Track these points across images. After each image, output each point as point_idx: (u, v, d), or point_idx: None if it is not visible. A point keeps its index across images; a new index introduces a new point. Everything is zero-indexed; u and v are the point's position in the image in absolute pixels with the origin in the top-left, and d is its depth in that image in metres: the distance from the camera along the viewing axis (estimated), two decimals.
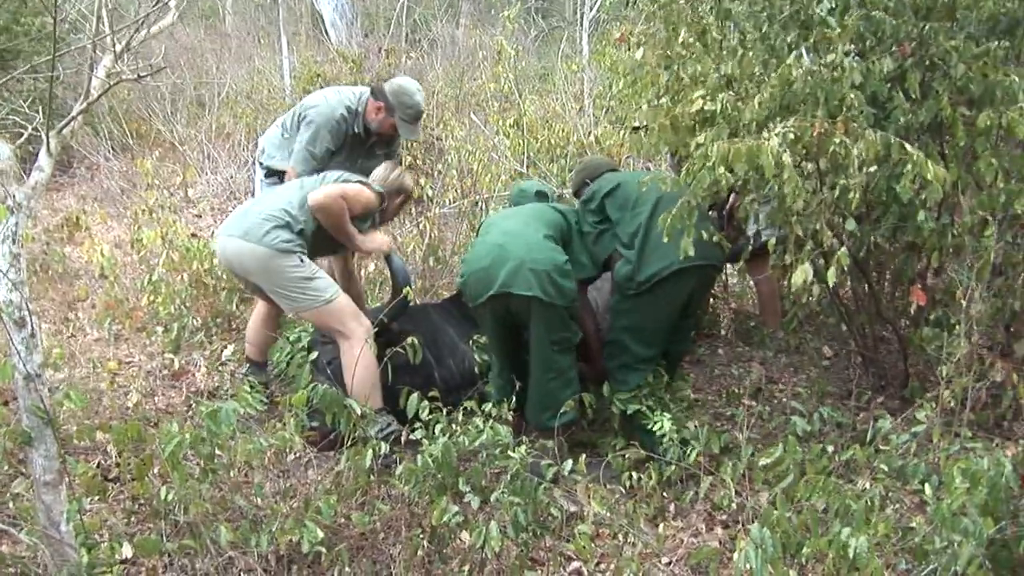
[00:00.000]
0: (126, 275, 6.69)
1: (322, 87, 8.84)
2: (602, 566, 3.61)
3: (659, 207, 4.28)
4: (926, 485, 3.30)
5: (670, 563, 3.64)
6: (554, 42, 13.62)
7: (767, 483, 3.57)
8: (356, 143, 5.31)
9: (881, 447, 3.65)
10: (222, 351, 5.50)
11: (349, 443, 3.68)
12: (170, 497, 3.23)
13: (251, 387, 3.70)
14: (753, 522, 2.99)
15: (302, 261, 4.42)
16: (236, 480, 3.67)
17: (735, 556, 2.92)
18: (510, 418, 3.83)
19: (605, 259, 4.59)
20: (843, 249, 3.51)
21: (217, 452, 3.47)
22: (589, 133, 7.65)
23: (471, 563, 3.40)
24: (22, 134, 3.78)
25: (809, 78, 3.59)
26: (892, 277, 4.70)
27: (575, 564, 3.64)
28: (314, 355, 4.38)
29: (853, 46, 3.94)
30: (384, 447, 3.60)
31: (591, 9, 11.35)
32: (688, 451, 3.85)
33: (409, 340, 4.11)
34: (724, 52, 4.09)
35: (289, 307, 4.52)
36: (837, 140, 3.40)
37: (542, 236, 4.36)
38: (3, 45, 9.60)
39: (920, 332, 4.25)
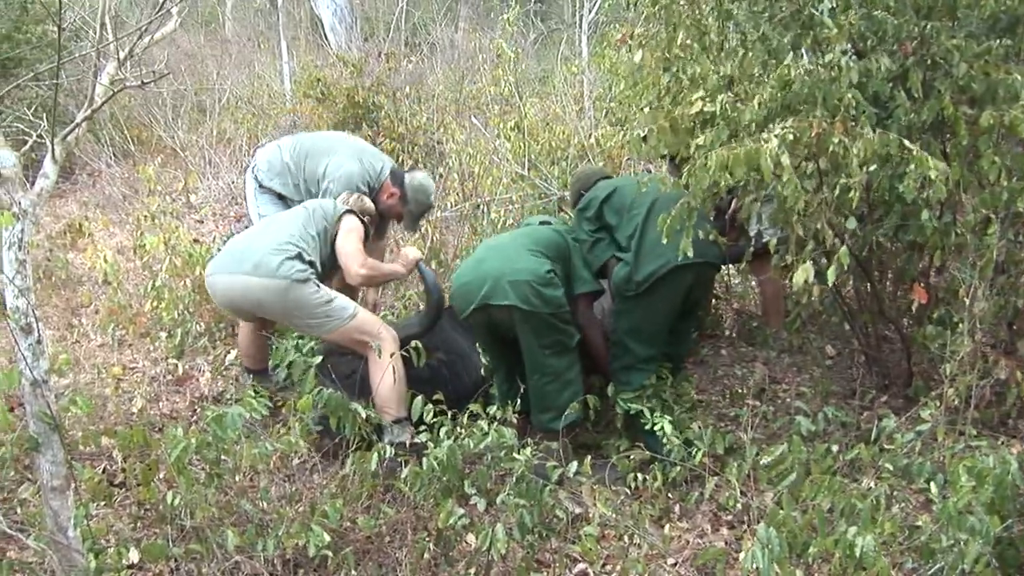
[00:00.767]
0: (129, 281, 6.71)
1: (322, 93, 8.90)
2: (608, 567, 3.61)
3: (655, 209, 4.38)
4: (931, 484, 3.30)
5: (676, 564, 3.64)
6: (553, 45, 13.63)
7: (771, 483, 3.58)
8: None
9: (885, 446, 3.65)
10: (225, 356, 5.50)
11: (354, 448, 3.69)
12: (176, 502, 3.23)
13: (255, 392, 3.70)
14: (759, 522, 2.99)
15: (318, 287, 4.42)
16: (242, 485, 3.67)
17: (741, 556, 2.92)
18: (515, 420, 3.83)
19: (600, 267, 4.63)
20: (844, 248, 3.51)
21: (223, 457, 3.48)
22: (590, 135, 7.64)
23: (477, 565, 3.41)
24: (26, 141, 3.80)
25: (807, 78, 3.59)
26: (895, 276, 4.70)
27: (581, 566, 3.64)
28: (317, 359, 4.37)
29: (852, 46, 3.95)
30: (390, 451, 3.60)
31: (590, 11, 11.36)
32: (692, 452, 3.85)
33: (414, 345, 4.13)
34: (723, 53, 4.09)
35: (315, 333, 4.52)
36: (836, 140, 3.40)
37: (525, 251, 4.46)
38: (6, 53, 9.62)
39: (923, 330, 4.24)
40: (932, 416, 3.61)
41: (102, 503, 3.70)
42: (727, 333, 5.64)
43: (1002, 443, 3.65)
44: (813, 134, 3.41)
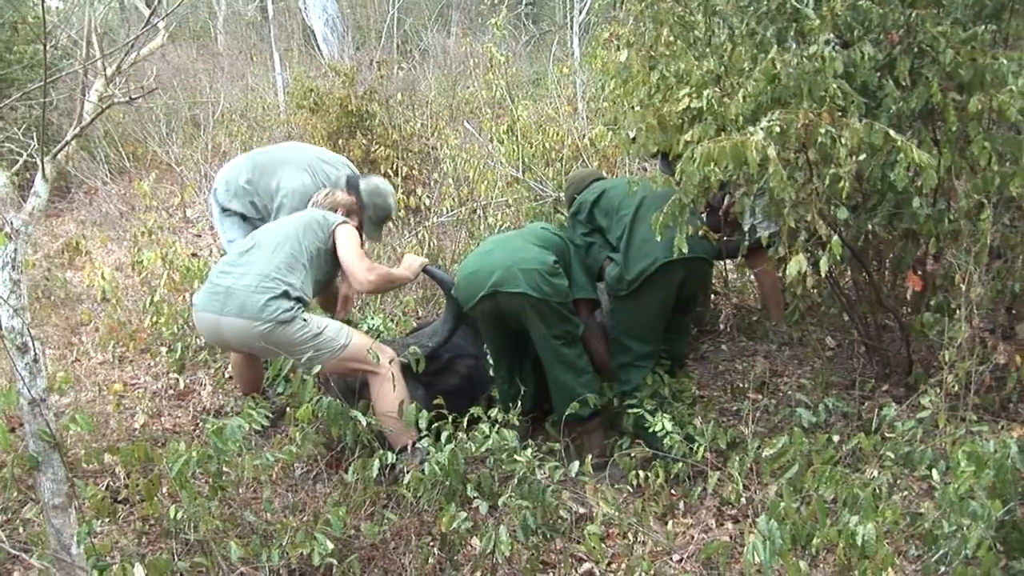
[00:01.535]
0: (128, 297, 6.72)
1: (315, 103, 8.91)
2: (613, 566, 3.62)
3: (642, 208, 4.47)
4: (933, 471, 3.30)
5: (681, 560, 3.64)
6: (546, 46, 13.65)
7: (774, 476, 3.58)
8: None
9: (887, 435, 3.65)
10: (226, 369, 5.50)
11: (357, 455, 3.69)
12: (180, 516, 3.23)
13: (255, 403, 3.70)
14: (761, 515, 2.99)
15: (306, 322, 4.28)
16: (245, 496, 3.68)
17: (744, 549, 2.92)
18: (517, 423, 3.83)
19: (598, 269, 4.67)
20: (836, 239, 3.51)
21: (225, 469, 3.48)
22: (583, 136, 7.65)
23: (483, 569, 3.42)
24: (18, 161, 3.80)
25: (793, 70, 3.60)
26: (891, 265, 4.71)
27: (587, 565, 3.64)
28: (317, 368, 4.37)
29: (837, 36, 3.95)
30: (391, 457, 3.61)
31: (581, 12, 11.38)
32: (694, 448, 3.85)
33: (412, 350, 4.13)
34: (709, 49, 4.09)
35: (308, 366, 4.33)
36: (823, 131, 3.40)
37: (531, 244, 4.51)
38: None
39: (921, 318, 4.24)
40: (932, 403, 3.61)
41: (106, 520, 3.69)
42: (727, 328, 5.64)
43: (1002, 427, 3.66)
44: (800, 125, 3.41)
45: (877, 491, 3.15)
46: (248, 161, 5.35)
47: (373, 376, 4.29)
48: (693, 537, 3.78)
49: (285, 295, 4.27)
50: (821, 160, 3.66)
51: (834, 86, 3.58)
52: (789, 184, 3.47)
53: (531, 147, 7.37)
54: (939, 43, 3.78)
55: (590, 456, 3.77)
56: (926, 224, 3.97)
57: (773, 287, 5.56)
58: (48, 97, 3.60)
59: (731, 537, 3.73)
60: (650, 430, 4.06)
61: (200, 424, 4.96)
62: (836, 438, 3.65)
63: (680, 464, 3.95)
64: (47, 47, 3.16)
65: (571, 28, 11.44)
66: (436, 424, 3.69)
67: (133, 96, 3.79)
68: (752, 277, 6.09)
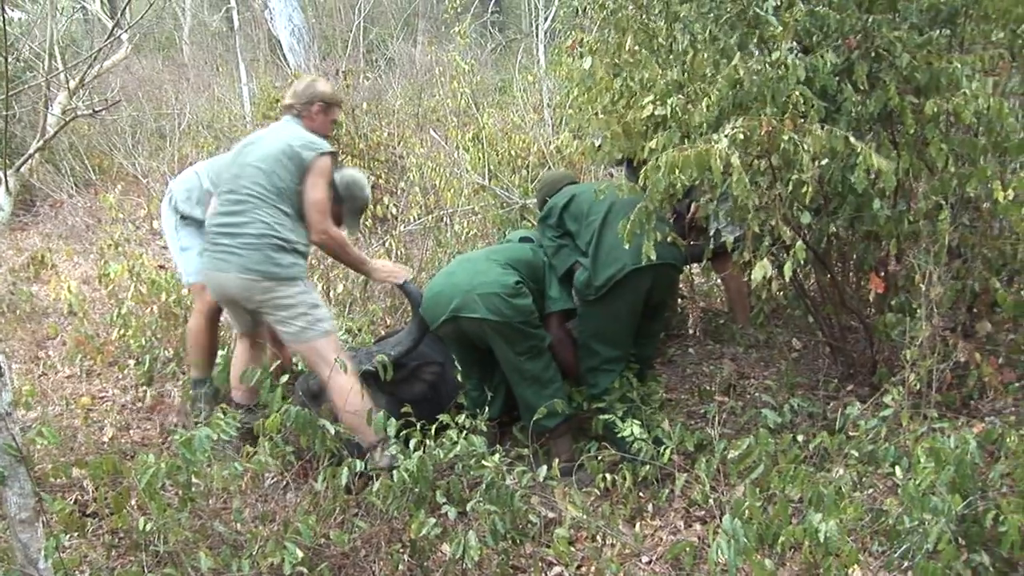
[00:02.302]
0: (95, 310, 6.69)
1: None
2: (583, 569, 3.63)
3: (611, 214, 4.47)
4: (897, 468, 3.35)
5: (650, 562, 3.66)
6: (512, 54, 13.69)
7: (741, 476, 3.62)
8: None
9: (851, 433, 3.70)
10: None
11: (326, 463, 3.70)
12: (149, 528, 3.22)
13: (224, 412, 3.69)
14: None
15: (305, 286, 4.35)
16: (215, 507, 3.67)
17: (710, 549, 2.95)
18: (485, 428, 3.85)
19: (567, 272, 4.67)
20: (799, 243, 3.56)
21: (194, 480, 3.47)
22: (549, 143, 7.69)
23: (453, 574, 3.42)
24: None
25: (755, 77, 3.64)
26: (855, 267, 4.76)
27: (556, 569, 3.66)
28: (285, 377, 4.36)
29: (798, 42, 4.00)
30: (360, 465, 3.61)
31: (546, 20, 11.42)
32: (661, 450, 3.89)
33: (379, 358, 4.14)
34: (671, 56, 4.14)
35: (292, 337, 4.39)
36: (786, 137, 3.45)
37: (496, 264, 4.51)
38: None
39: (884, 319, 4.30)
40: (895, 401, 3.66)
41: (75, 534, 3.68)
42: (694, 332, 5.68)
43: (963, 424, 3.72)
44: (763, 132, 3.46)
45: (842, 489, 3.20)
46: (209, 166, 5.27)
47: (336, 376, 4.27)
48: (662, 539, 3.81)
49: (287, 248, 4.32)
50: (784, 165, 3.72)
51: (796, 92, 3.63)
52: (753, 190, 3.52)
53: (497, 155, 7.40)
54: (896, 48, 3.84)
55: (557, 460, 3.80)
56: (886, 226, 4.03)
57: (739, 291, 5.62)
58: (11, 110, 3.59)
59: (699, 538, 3.76)
60: (619, 435, 4.08)
61: (169, 436, 4.94)
62: (801, 438, 3.70)
63: (648, 467, 3.97)
64: (8, 59, 3.16)
65: (537, 36, 11.48)
66: (404, 432, 3.70)
67: (97, 109, 3.79)
68: (719, 281, 6.14)
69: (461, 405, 4.60)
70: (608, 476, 3.79)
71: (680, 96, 3.90)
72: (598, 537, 3.56)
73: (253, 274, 4.27)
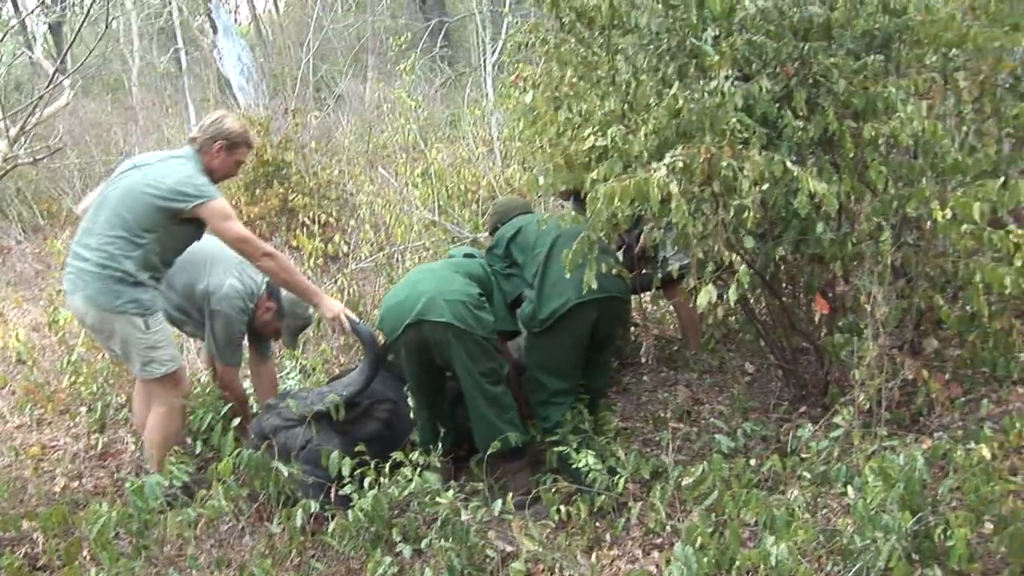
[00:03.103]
0: (45, 358, 6.60)
1: None
2: None
3: (556, 245, 4.46)
4: (849, 487, 3.38)
5: None
6: (461, 88, 13.77)
7: (697, 502, 3.63)
8: None
9: (804, 455, 3.73)
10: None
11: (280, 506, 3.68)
12: None
13: (176, 459, 3.67)
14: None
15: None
16: (169, 554, 3.63)
17: None
18: (438, 464, 3.84)
19: (514, 301, 4.69)
20: (744, 268, 3.60)
21: (147, 528, 3.43)
22: (499, 176, 7.73)
23: None
24: None
25: (693, 105, 3.69)
26: (804, 289, 4.82)
27: None
28: (236, 421, 4.32)
29: (739, 71, 4.06)
30: (314, 506, 3.60)
31: (494, 53, 11.51)
32: (616, 480, 3.89)
33: (331, 398, 4.13)
34: (611, 88, 4.18)
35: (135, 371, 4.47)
36: (725, 164, 3.50)
37: (459, 276, 4.49)
38: None
39: (832, 340, 4.35)
40: (846, 421, 3.70)
41: None
42: (648, 359, 5.70)
43: (913, 440, 3.77)
44: (703, 159, 3.50)
45: (795, 511, 3.22)
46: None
47: (160, 404, 4.40)
48: (620, 568, 3.79)
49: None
50: (726, 192, 3.76)
51: (734, 119, 3.68)
52: (694, 217, 3.56)
53: (447, 189, 7.42)
54: (833, 74, 3.91)
55: (510, 495, 3.79)
56: (831, 248, 4.08)
57: (691, 317, 5.65)
58: None
59: (656, 566, 3.75)
60: (573, 466, 4.08)
61: (123, 484, 4.87)
62: (754, 462, 3.73)
63: (604, 497, 3.98)
64: None
65: (485, 69, 11.56)
66: (359, 471, 3.69)
67: (38, 157, 3.76)
68: (671, 307, 6.18)
69: (413, 443, 4.57)
70: (563, 508, 3.79)
71: (621, 126, 3.94)
72: (555, 569, 3.55)
73: (92, 303, 4.26)
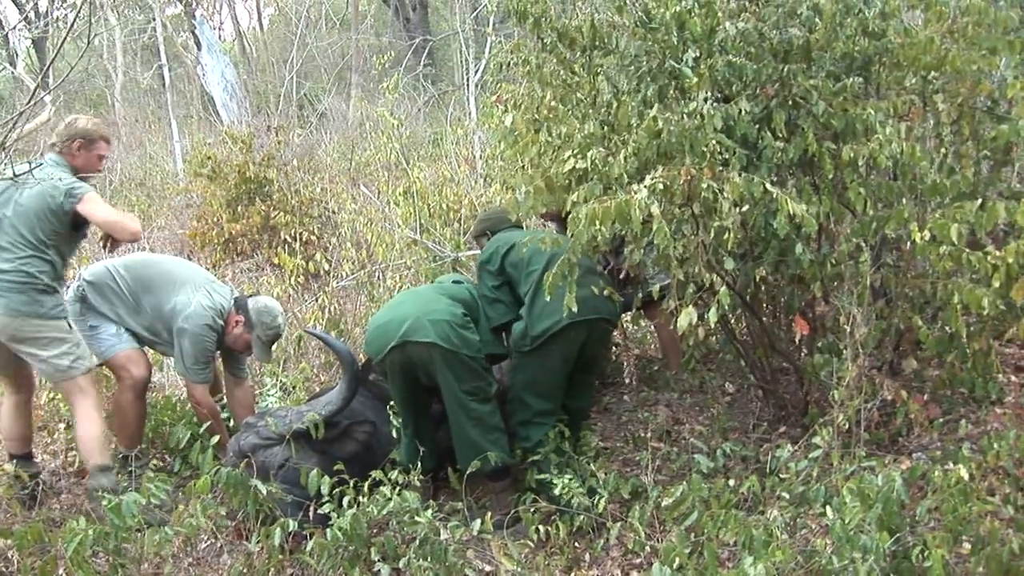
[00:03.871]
0: None
1: (213, 171, 8.86)
2: None
3: (551, 264, 4.39)
4: (828, 508, 3.38)
5: None
6: (444, 107, 13.80)
7: (676, 522, 3.63)
8: None
9: (783, 475, 3.74)
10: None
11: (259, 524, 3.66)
12: None
13: (155, 475, 3.65)
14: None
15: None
16: (146, 572, 3.60)
17: None
18: (418, 483, 3.83)
19: (502, 326, 4.68)
20: (723, 288, 3.61)
21: (124, 546, 3.41)
22: (481, 195, 7.74)
23: None
24: None
25: (673, 127, 3.71)
26: (784, 310, 4.83)
27: None
28: (216, 439, 4.30)
29: (719, 92, 4.09)
30: (293, 525, 3.58)
31: (477, 72, 11.54)
32: (595, 500, 3.89)
33: (310, 417, 4.11)
34: (592, 110, 4.20)
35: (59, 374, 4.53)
36: (704, 185, 3.51)
37: (444, 297, 4.51)
38: None
39: (812, 360, 4.36)
40: (825, 442, 3.71)
41: None
42: (629, 380, 5.71)
43: (891, 461, 3.78)
44: (683, 181, 3.52)
45: (774, 531, 3.22)
46: (118, 264, 5.19)
47: (86, 396, 4.51)
48: None
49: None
50: (706, 213, 3.77)
51: (714, 141, 3.70)
52: (675, 239, 3.57)
53: (428, 208, 7.42)
54: (812, 95, 3.93)
55: (489, 514, 3.78)
56: (811, 269, 4.09)
57: (672, 337, 5.66)
58: None
59: None
60: (552, 489, 4.08)
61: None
62: (733, 482, 3.73)
63: (583, 517, 3.97)
64: None
65: (468, 88, 11.59)
66: (338, 489, 3.67)
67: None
68: (652, 328, 6.19)
69: (395, 460, 4.55)
70: (543, 527, 3.78)
71: (601, 148, 3.95)
72: None
73: (19, 314, 4.37)
